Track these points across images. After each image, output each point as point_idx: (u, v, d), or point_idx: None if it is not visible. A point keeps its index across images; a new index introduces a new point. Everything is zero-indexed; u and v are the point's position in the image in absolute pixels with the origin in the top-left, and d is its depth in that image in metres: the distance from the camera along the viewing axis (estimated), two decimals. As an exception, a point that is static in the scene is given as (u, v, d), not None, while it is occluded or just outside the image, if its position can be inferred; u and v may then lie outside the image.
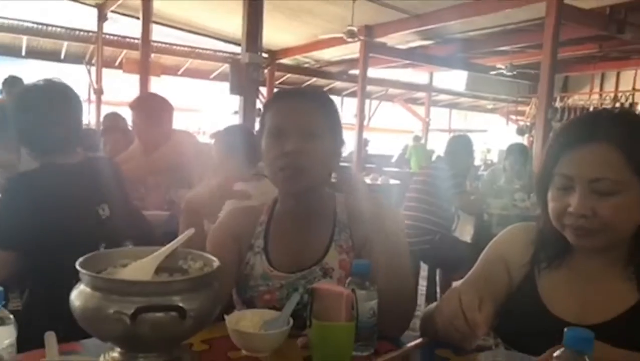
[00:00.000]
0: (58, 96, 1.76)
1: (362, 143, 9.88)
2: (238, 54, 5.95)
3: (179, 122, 3.14)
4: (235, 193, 1.23)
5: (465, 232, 4.70)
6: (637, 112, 5.71)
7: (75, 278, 0.93)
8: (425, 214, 3.92)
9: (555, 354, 0.77)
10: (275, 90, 12.39)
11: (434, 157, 7.55)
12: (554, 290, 1.18)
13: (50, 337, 0.85)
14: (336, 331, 1.00)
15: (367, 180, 7.24)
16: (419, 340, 1.20)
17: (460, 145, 4.13)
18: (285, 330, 1.07)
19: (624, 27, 7.21)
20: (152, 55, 8.38)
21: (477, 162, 12.91)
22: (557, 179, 1.09)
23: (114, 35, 9.95)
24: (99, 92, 9.40)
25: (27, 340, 0.92)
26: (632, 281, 1.10)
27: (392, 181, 7.48)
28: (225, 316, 1.09)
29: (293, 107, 1.29)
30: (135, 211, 2.10)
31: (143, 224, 2.07)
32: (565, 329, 0.77)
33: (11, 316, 0.83)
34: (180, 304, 0.84)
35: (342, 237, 1.32)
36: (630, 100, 10.43)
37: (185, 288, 0.88)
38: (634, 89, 10.63)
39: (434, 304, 1.26)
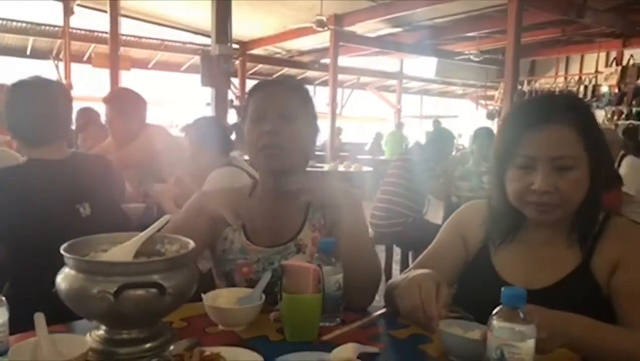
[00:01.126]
0: (47, 91, 1.82)
1: (335, 131, 9.97)
2: (208, 46, 5.96)
3: (151, 115, 3.17)
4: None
5: (436, 215, 4.83)
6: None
7: (54, 272, 1.00)
8: (400, 198, 4.05)
9: (494, 312, 0.88)
10: (248, 80, 12.41)
11: (409, 144, 7.68)
12: (506, 261, 1.30)
13: (39, 318, 0.92)
14: (304, 302, 1.10)
15: (341, 168, 7.35)
16: (382, 310, 1.30)
17: (444, 136, 4.34)
18: (258, 305, 1.16)
19: (583, 11, 7.43)
20: (122, 48, 8.29)
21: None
22: (519, 159, 1.19)
23: (81, 29, 9.78)
24: (68, 87, 9.27)
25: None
26: (574, 248, 1.22)
27: (365, 168, 7.59)
28: (203, 295, 1.17)
29: (271, 93, 1.42)
30: (118, 211, 2.11)
31: (124, 226, 2.10)
32: (502, 288, 0.87)
33: (3, 298, 0.89)
34: (160, 282, 0.93)
35: (315, 217, 1.43)
36: (593, 82, 10.74)
37: (163, 268, 0.96)
38: (596, 71, 10.92)
39: (396, 278, 1.36)
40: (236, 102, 11.92)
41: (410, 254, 4.41)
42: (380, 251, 3.89)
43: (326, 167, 7.09)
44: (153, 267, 0.96)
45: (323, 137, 10.96)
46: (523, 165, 1.18)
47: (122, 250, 1.06)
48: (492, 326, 0.86)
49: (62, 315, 1.06)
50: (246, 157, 2.02)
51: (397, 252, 4.47)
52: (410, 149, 4.38)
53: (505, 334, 0.84)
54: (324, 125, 9.53)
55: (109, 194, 1.95)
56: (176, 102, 13.75)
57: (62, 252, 0.96)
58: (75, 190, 1.79)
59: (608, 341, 1.02)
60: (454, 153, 8.32)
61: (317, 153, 9.90)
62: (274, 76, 13.50)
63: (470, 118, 15.13)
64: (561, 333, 0.98)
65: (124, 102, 2.95)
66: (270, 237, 1.41)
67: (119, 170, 2.22)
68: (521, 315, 0.85)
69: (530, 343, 0.84)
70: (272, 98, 1.39)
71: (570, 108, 1.18)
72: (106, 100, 3.00)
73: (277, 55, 12.94)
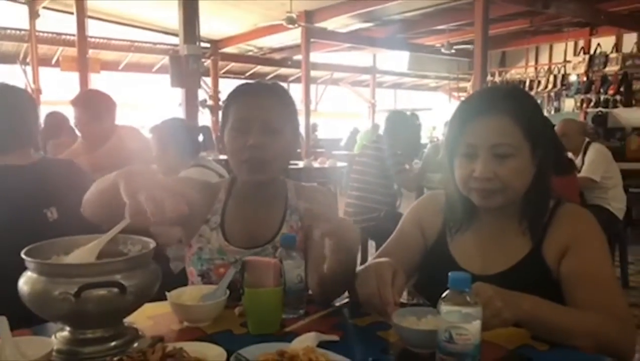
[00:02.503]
0: (11, 98, 1.82)
1: (309, 128, 9.99)
2: (178, 45, 5.94)
3: (123, 118, 3.16)
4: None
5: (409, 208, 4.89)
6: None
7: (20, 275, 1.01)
8: (368, 193, 4.05)
9: (442, 296, 0.92)
10: (220, 79, 12.33)
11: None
12: (463, 248, 1.36)
13: (2, 321, 0.93)
14: (265, 296, 1.13)
15: (316, 164, 7.38)
16: (345, 300, 1.34)
17: (398, 121, 4.20)
18: (222, 300, 1.19)
19: (549, 2, 7.56)
20: (90, 51, 8.19)
21: (423, 139, 13.28)
22: (463, 147, 1.25)
23: (48, 32, 9.63)
24: (36, 91, 9.11)
25: None
26: (525, 236, 1.29)
27: (340, 163, 7.65)
28: (167, 293, 1.20)
29: (255, 102, 1.40)
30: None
31: (93, 230, 2.09)
32: (449, 273, 0.92)
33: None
34: (120, 281, 0.95)
35: (292, 218, 1.46)
36: (562, 71, 10.95)
37: (124, 268, 0.99)
38: (565, 60, 11.13)
39: (358, 269, 1.40)
40: (210, 102, 11.87)
41: (384, 247, 4.45)
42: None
43: (301, 164, 7.11)
44: (113, 266, 0.98)
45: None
46: (466, 154, 1.24)
47: (84, 252, 1.07)
48: (441, 310, 0.91)
49: (27, 319, 1.07)
50: (220, 157, 2.02)
51: (372, 244, 4.53)
52: (374, 141, 4.27)
53: (454, 317, 0.89)
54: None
55: (77, 198, 1.94)
56: (149, 104, 13.61)
57: (22, 255, 0.98)
58: (42, 195, 1.78)
59: (555, 318, 1.08)
60: (424, 142, 8.37)
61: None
62: (247, 74, 13.48)
63: (444, 110, 15.29)
64: (513, 306, 1.03)
65: (92, 103, 2.92)
66: (248, 238, 1.42)
67: (88, 174, 2.22)
68: (467, 298, 0.90)
69: (476, 324, 0.89)
70: (257, 108, 1.38)
71: (510, 99, 1.24)
72: (74, 102, 2.96)
73: (250, 53, 12.90)
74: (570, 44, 11.19)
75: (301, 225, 1.45)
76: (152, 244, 1.08)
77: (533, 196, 1.27)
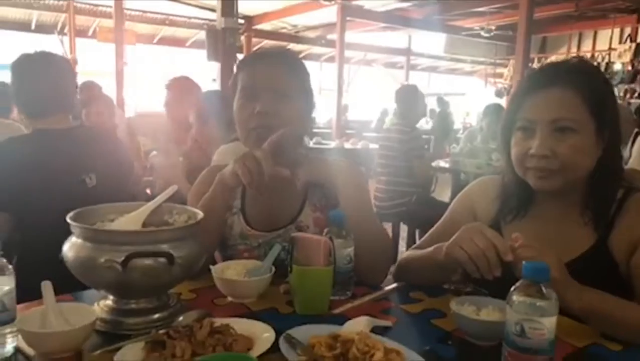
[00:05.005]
0: (53, 65, 1.84)
1: (341, 109, 9.87)
2: (214, 21, 5.87)
3: (158, 92, 3.16)
4: None
5: (443, 193, 4.80)
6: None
7: (60, 241, 0.98)
8: (395, 177, 3.96)
9: (513, 287, 0.84)
10: (253, 55, 12.27)
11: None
12: None
13: (47, 286, 0.90)
14: (315, 275, 1.07)
15: (347, 145, 7.29)
16: (394, 285, 1.28)
17: (408, 95, 4.05)
18: (267, 276, 1.14)
19: (598, -16, 7.24)
20: (126, 23, 8.21)
21: (456, 125, 13.04)
22: (520, 124, 1.16)
23: (86, 3, 9.68)
24: (73, 61, 9.20)
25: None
26: (588, 227, 1.18)
27: (372, 145, 7.53)
28: (211, 267, 1.15)
29: (264, 68, 1.31)
30: (125, 185, 2.07)
31: (130, 197, 2.08)
32: (524, 262, 0.84)
33: (10, 266, 0.87)
34: (169, 251, 0.90)
35: (315, 196, 1.37)
36: (606, 60, 10.53)
37: (172, 237, 0.94)
38: (610, 48, 10.70)
39: (411, 253, 1.33)
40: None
41: (417, 232, 4.38)
42: (387, 228, 3.85)
43: (332, 145, 7.03)
44: (162, 236, 0.93)
45: (329, 114, 10.88)
46: (523, 129, 1.15)
47: (129, 219, 1.04)
48: (511, 301, 0.83)
49: (69, 285, 1.04)
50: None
51: (403, 229, 4.45)
52: (393, 124, 4.13)
53: (526, 309, 0.81)
54: (330, 102, 9.46)
55: (115, 166, 1.94)
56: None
57: (68, 220, 0.94)
58: (81, 161, 1.78)
59: (619, 313, 1.00)
60: (457, 127, 8.08)
61: (323, 130, 9.85)
62: (281, 52, 13.34)
63: (478, 96, 14.97)
64: (574, 298, 0.96)
65: (182, 88, 2.95)
66: (270, 221, 1.35)
67: (124, 143, 2.20)
68: (543, 290, 0.82)
69: (553, 319, 0.81)
70: (265, 75, 1.28)
71: (575, 72, 1.14)
72: (168, 86, 3.01)
73: (283, 31, 12.78)
74: (616, 31, 10.75)
75: (325, 204, 1.37)
76: (199, 215, 1.03)
77: (598, 183, 1.16)
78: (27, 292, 0.99)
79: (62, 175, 1.70)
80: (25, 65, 1.81)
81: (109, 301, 0.99)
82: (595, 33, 11.36)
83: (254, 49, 12.52)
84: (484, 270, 1.00)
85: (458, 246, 1.04)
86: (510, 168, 1.22)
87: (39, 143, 1.75)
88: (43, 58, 1.84)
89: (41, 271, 0.96)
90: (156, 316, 0.98)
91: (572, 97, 1.10)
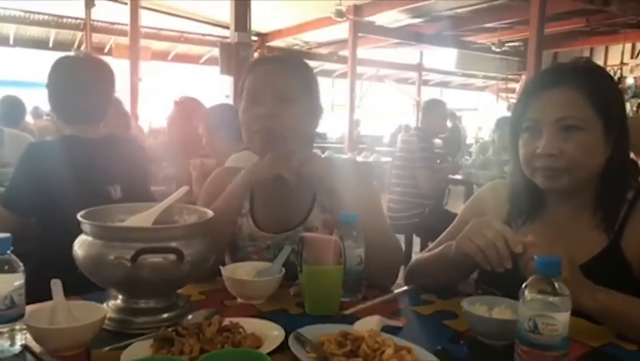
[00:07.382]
0: (91, 69, 1.80)
1: (353, 123, 9.90)
2: (227, 37, 5.95)
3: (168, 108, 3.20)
4: None
5: (456, 205, 4.76)
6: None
7: None
8: (408, 188, 3.96)
9: (525, 283, 0.83)
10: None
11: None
12: None
13: (56, 284, 0.90)
14: (325, 274, 1.06)
15: (359, 158, 7.30)
16: (405, 288, 1.26)
17: (437, 109, 4.14)
18: (278, 277, 1.13)
19: (610, 0, 7.23)
20: (142, 40, 8.34)
21: (469, 140, 12.99)
22: (526, 124, 1.16)
23: (102, 21, 9.87)
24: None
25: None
26: (599, 229, 1.16)
27: (384, 159, 7.54)
28: (221, 267, 1.15)
29: (268, 71, 1.31)
30: (148, 196, 1.98)
31: None
32: (536, 257, 0.83)
33: (20, 263, 0.87)
34: (179, 248, 0.90)
35: (324, 197, 1.35)
36: (618, 75, 10.48)
37: (182, 235, 0.94)
38: (622, 62, 10.67)
39: (422, 255, 1.32)
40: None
41: (429, 245, 4.34)
42: (399, 240, 3.82)
43: (344, 157, 7.05)
44: (171, 232, 0.93)
45: (341, 128, 10.90)
46: (530, 129, 1.15)
47: (140, 218, 1.04)
48: (524, 297, 0.82)
49: (86, 292, 1.04)
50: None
51: (416, 242, 4.42)
52: (410, 135, 4.19)
53: (538, 305, 0.80)
54: (342, 117, 9.48)
55: (140, 178, 1.89)
56: (196, 95, 13.78)
57: (79, 217, 0.94)
58: (108, 171, 1.74)
59: (635, 313, 0.97)
60: (469, 142, 8.03)
61: (335, 145, 9.87)
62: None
63: (490, 111, 14.93)
64: (588, 298, 0.95)
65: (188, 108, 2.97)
66: (278, 222, 1.34)
67: (148, 155, 2.18)
68: (556, 285, 0.80)
69: (566, 315, 0.79)
70: (269, 77, 1.28)
71: (580, 71, 1.14)
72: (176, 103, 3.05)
73: (296, 47, 12.89)
74: (628, 46, 10.71)
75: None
76: (209, 214, 1.03)
77: (608, 183, 1.15)
78: (39, 296, 0.98)
79: (87, 185, 1.65)
80: (74, 69, 1.76)
81: (118, 300, 0.99)
82: (607, 48, 11.32)
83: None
84: (494, 261, 0.99)
85: (468, 239, 1.03)
86: (519, 170, 1.21)
87: (66, 150, 1.71)
88: (96, 66, 1.80)
89: (59, 277, 0.95)
90: (165, 315, 0.98)
91: (577, 95, 1.10)
